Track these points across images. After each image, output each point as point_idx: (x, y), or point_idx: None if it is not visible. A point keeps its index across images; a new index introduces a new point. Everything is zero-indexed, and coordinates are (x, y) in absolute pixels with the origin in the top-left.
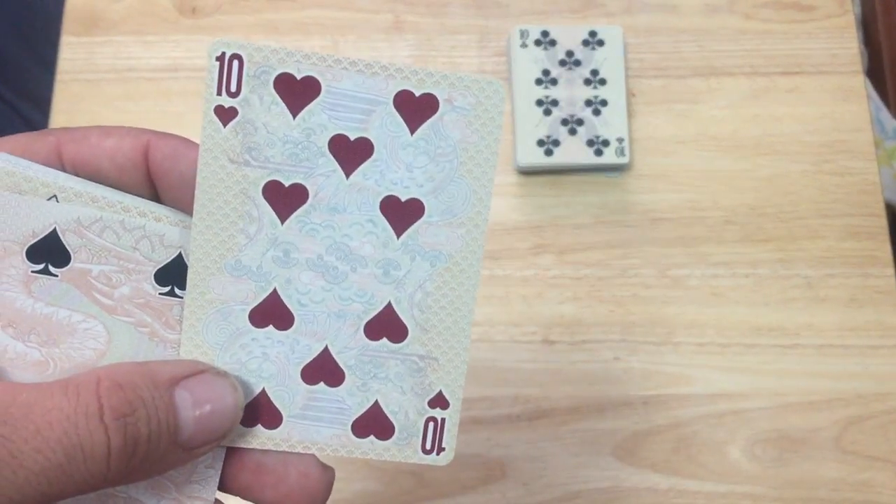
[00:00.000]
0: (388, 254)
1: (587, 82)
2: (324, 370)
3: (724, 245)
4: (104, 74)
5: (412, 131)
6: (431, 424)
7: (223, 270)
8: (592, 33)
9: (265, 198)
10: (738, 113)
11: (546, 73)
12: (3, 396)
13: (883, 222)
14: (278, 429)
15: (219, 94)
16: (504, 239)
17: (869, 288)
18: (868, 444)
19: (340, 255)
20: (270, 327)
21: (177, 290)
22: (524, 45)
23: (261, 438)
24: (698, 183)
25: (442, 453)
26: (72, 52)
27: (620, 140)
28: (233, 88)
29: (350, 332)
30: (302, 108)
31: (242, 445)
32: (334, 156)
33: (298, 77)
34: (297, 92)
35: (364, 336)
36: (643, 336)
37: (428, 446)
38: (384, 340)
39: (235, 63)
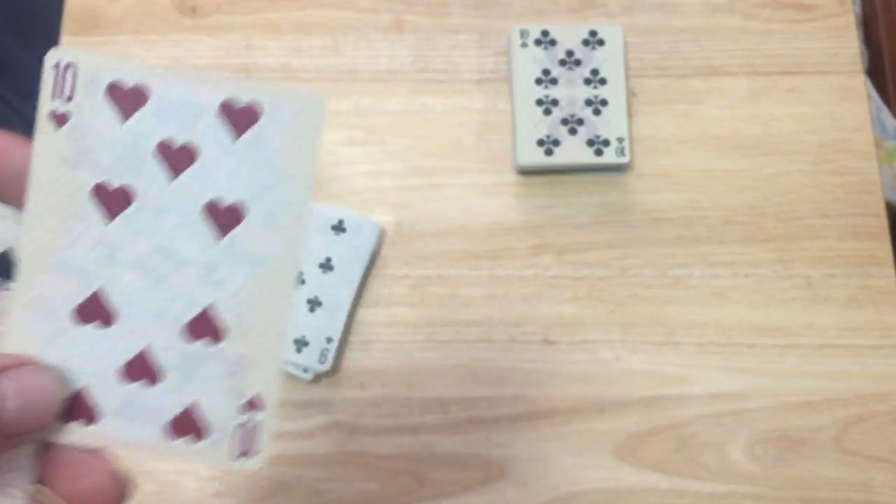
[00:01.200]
0: (209, 256)
1: (587, 82)
2: (143, 369)
3: (724, 245)
4: None
5: (236, 138)
6: (245, 427)
7: (50, 268)
8: (593, 33)
9: (93, 199)
10: (738, 113)
11: (546, 72)
12: None
13: (883, 222)
14: (93, 426)
15: (53, 98)
16: (504, 239)
17: (869, 288)
18: (868, 445)
19: (163, 256)
20: (93, 325)
21: (8, 285)
22: (524, 45)
23: (77, 435)
24: (698, 183)
25: (255, 457)
26: None
27: (620, 140)
28: (66, 94)
29: (170, 332)
30: (131, 113)
31: (57, 440)
32: (160, 160)
33: (129, 85)
34: (127, 99)
35: (184, 336)
36: (643, 336)
37: (240, 450)
38: (203, 341)
39: (70, 71)
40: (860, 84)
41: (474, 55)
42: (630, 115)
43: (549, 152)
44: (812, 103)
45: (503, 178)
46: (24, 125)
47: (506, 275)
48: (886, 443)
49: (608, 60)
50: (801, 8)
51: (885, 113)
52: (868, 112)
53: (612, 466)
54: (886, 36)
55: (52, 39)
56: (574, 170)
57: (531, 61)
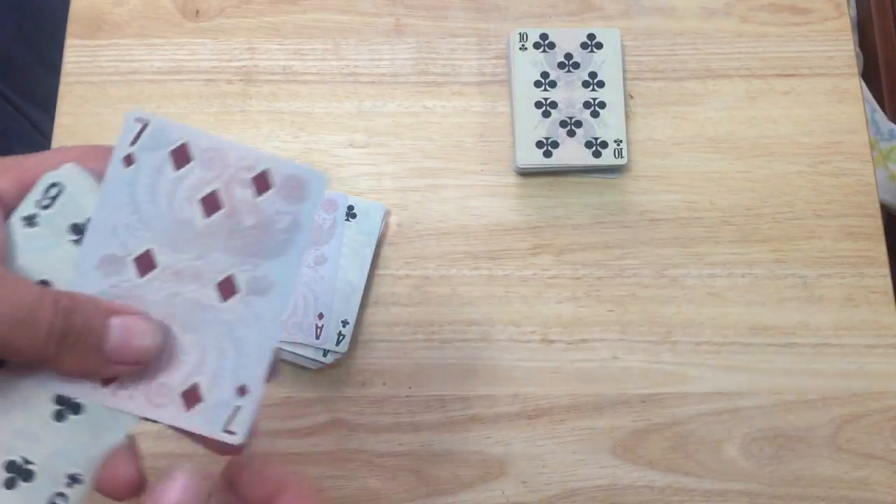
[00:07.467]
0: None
1: (586, 84)
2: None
3: (720, 245)
4: (108, 77)
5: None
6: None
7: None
8: (591, 36)
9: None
10: (734, 115)
11: (545, 75)
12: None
13: (878, 223)
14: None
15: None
16: (503, 239)
17: (864, 288)
18: (863, 443)
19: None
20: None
21: None
22: (523, 48)
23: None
24: (695, 184)
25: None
26: (76, 54)
27: (618, 142)
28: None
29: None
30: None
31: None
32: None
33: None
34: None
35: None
36: (641, 335)
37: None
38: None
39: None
40: (855, 86)
41: (474, 58)
42: (628, 117)
43: (547, 154)
44: (808, 105)
45: (503, 179)
46: (30, 127)
47: (505, 275)
48: (882, 441)
49: (606, 63)
50: (797, 11)
51: (880, 114)
52: (863, 114)
53: (610, 464)
54: (881, 39)
55: (56, 42)
56: (572, 171)
57: (530, 64)
